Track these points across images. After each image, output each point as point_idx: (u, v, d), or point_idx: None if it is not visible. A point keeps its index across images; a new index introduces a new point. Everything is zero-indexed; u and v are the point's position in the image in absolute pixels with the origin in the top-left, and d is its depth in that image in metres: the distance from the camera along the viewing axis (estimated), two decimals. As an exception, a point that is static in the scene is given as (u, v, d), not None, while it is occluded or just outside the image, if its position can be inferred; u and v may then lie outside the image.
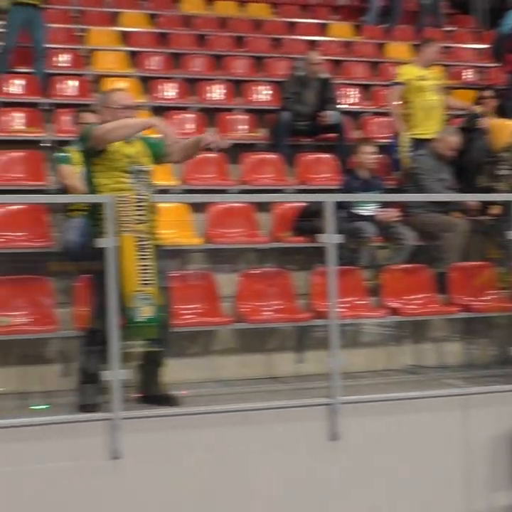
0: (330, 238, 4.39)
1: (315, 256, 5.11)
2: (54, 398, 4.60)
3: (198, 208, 6.04)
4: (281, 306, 5.39)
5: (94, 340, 4.23)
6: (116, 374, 4.01)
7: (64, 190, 5.57)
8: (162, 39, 9.23)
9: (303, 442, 4.28)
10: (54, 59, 8.32)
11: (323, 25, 10.44)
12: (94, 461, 3.95)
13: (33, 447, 3.92)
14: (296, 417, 4.30)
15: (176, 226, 5.77)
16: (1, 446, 3.88)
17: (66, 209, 5.44)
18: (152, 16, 9.77)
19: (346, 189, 6.06)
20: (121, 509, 3.99)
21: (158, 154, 4.51)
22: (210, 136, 4.60)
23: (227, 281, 5.47)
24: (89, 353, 4.30)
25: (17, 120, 7.15)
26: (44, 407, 4.43)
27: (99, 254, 4.07)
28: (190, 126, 7.41)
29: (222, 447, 4.15)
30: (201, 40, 9.39)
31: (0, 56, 7.84)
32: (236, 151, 7.00)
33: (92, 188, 4.36)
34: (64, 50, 8.50)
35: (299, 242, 5.88)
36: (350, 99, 8.50)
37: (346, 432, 4.31)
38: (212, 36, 9.48)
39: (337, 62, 9.18)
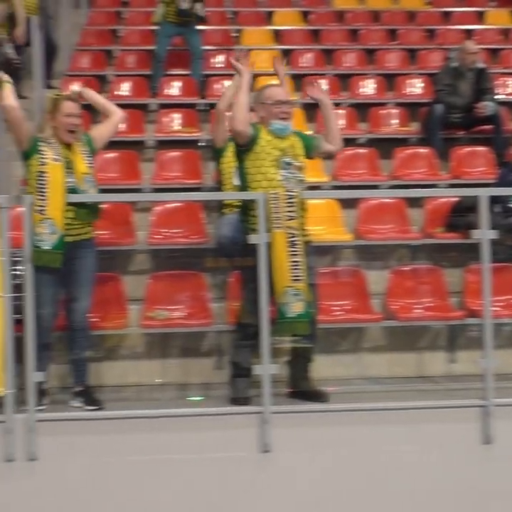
0: (484, 234, 4.26)
1: (469, 253, 4.97)
2: (209, 390, 4.76)
3: (348, 204, 6.03)
4: (433, 304, 5.29)
5: (246, 334, 4.34)
6: (267, 368, 4.09)
7: (219, 187, 5.73)
8: (314, 36, 9.29)
9: (455, 444, 4.19)
10: (211, 60, 8.59)
11: (480, 13, 10.09)
12: (245, 453, 4.06)
13: (188, 437, 4.08)
14: (448, 418, 4.21)
15: (327, 222, 5.80)
16: (159, 435, 4.08)
17: (220, 206, 5.59)
18: (304, 14, 9.84)
19: (502, 183, 5.84)
20: (269, 501, 4.07)
21: (311, 147, 4.54)
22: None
23: (377, 278, 5.44)
24: (240, 348, 4.41)
25: (175, 121, 7.44)
26: (199, 398, 4.61)
27: (252, 250, 4.17)
28: (341, 122, 7.41)
29: (370, 445, 4.14)
30: (353, 35, 9.36)
31: (155, 65, 8.17)
32: (388, 146, 6.94)
33: (244, 185, 4.46)
34: (219, 52, 8.75)
35: (451, 238, 5.74)
36: (507, 88, 8.16)
37: (500, 435, 4.17)
38: (365, 30, 9.42)
39: (494, 51, 8.86)
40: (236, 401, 4.31)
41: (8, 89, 4.40)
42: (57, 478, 4.02)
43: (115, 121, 4.71)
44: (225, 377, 4.59)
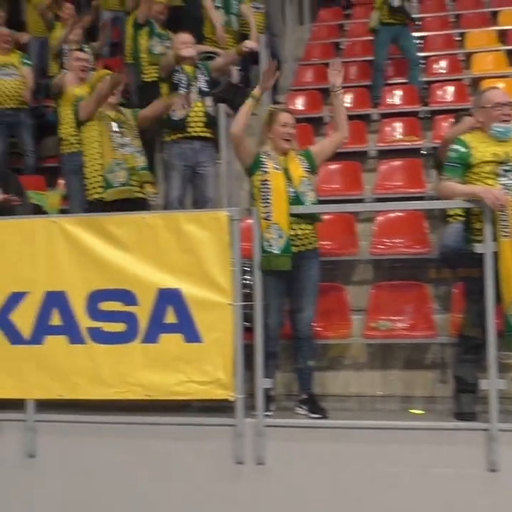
0: None
1: None
2: (432, 404, 4.69)
3: None
4: None
5: (469, 348, 4.23)
6: (494, 383, 3.97)
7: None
8: (543, 33, 8.83)
9: None
10: (433, 66, 8.46)
11: None
12: (470, 470, 3.95)
13: (411, 450, 4.05)
14: None
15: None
16: (382, 446, 4.10)
17: (444, 215, 5.49)
18: (532, 11, 9.39)
19: None
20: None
21: None
22: None
23: None
24: (464, 361, 4.29)
25: (397, 130, 7.42)
26: (420, 411, 4.55)
27: (477, 260, 4.06)
28: None
29: None
30: None
31: (374, 75, 8.19)
32: None
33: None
34: (442, 57, 8.59)
35: None
36: None
37: None
38: None
39: None
40: (461, 416, 4.20)
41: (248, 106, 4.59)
42: (283, 483, 4.16)
43: (338, 140, 4.77)
44: (448, 391, 4.49)
